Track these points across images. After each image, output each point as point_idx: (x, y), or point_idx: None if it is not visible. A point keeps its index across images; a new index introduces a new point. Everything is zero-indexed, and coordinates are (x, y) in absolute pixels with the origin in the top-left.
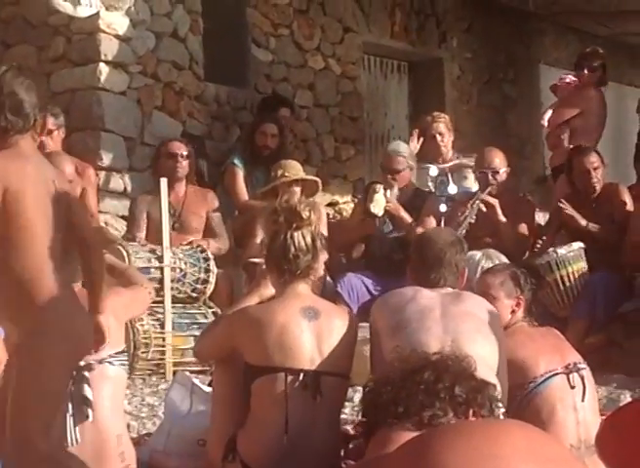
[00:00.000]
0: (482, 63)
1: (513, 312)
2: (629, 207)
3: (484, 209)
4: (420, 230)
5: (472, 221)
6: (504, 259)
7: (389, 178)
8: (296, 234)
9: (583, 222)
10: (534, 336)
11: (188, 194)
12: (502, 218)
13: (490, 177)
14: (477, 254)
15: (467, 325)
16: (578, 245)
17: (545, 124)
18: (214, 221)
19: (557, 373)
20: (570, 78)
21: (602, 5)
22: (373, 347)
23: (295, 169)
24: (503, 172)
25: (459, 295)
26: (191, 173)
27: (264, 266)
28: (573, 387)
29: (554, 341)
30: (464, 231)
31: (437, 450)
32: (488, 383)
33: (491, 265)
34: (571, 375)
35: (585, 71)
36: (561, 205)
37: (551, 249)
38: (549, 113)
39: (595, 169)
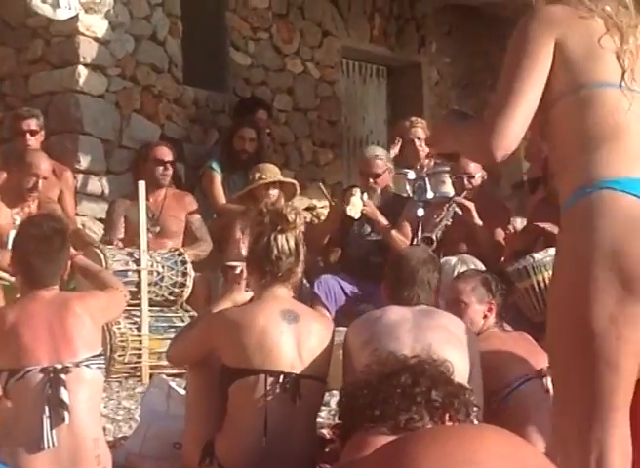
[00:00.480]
0: (461, 68)
1: (485, 317)
2: None
3: (460, 212)
4: (395, 233)
5: (448, 224)
6: (480, 265)
7: (371, 183)
8: (280, 237)
9: (556, 230)
10: (507, 342)
11: (167, 198)
12: (478, 221)
13: (466, 182)
14: (452, 260)
15: (437, 336)
16: (554, 250)
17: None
18: (194, 225)
19: (531, 379)
20: None
21: None
22: (345, 366)
23: (272, 172)
24: (479, 176)
25: (430, 311)
26: (172, 177)
27: (241, 269)
28: (547, 391)
29: (527, 347)
30: (440, 233)
31: (412, 456)
32: (464, 388)
33: (465, 270)
34: (545, 380)
35: None
36: (537, 225)
37: (528, 254)
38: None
39: None
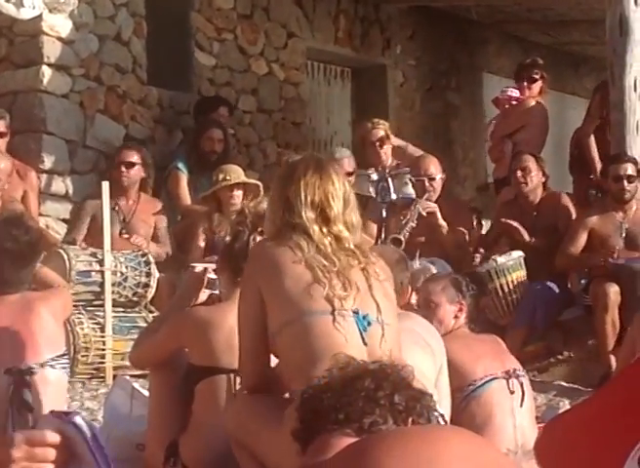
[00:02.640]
0: (425, 71)
1: (456, 317)
2: (571, 214)
3: (424, 213)
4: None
5: (414, 225)
6: (448, 268)
7: None
8: (259, 238)
9: (527, 237)
10: (475, 342)
11: (140, 202)
12: (442, 223)
13: (427, 184)
14: (431, 267)
15: (404, 337)
16: (517, 253)
17: (489, 139)
18: (160, 231)
19: (496, 378)
20: (511, 91)
21: (543, 14)
22: None
23: (236, 173)
24: (440, 178)
25: (407, 315)
26: (145, 180)
27: (203, 269)
28: (512, 392)
29: (495, 348)
30: (407, 233)
31: (375, 456)
32: (425, 393)
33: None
34: (510, 381)
35: (525, 83)
36: (504, 221)
37: (491, 257)
38: (491, 129)
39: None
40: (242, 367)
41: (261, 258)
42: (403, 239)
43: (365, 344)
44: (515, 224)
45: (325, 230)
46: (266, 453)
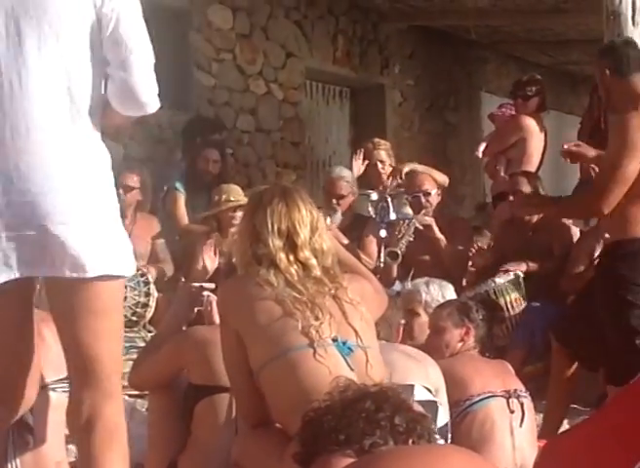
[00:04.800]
0: (424, 90)
1: (463, 341)
2: (570, 236)
3: (421, 227)
4: (360, 254)
5: (411, 239)
6: (446, 285)
7: (334, 203)
8: None
9: (523, 268)
10: (479, 361)
11: (137, 220)
12: (440, 236)
13: (423, 200)
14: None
15: (397, 355)
16: (515, 274)
17: (480, 155)
18: (158, 247)
19: (495, 396)
20: (506, 107)
21: (542, 34)
22: None
23: (238, 194)
24: (435, 193)
25: (389, 344)
26: (143, 201)
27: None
28: (512, 412)
29: (500, 368)
30: (404, 247)
31: None
32: (425, 416)
33: (434, 292)
34: (510, 400)
35: (520, 100)
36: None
37: (489, 279)
38: (484, 145)
39: None
40: (239, 407)
41: (232, 299)
42: (400, 252)
43: (352, 370)
44: (512, 269)
45: (292, 258)
46: None
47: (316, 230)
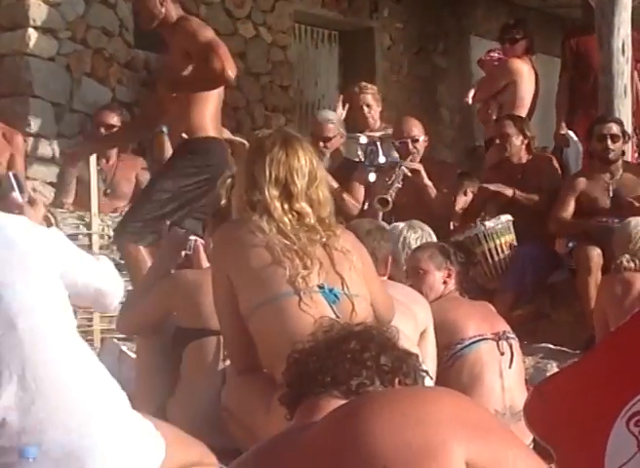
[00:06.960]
0: (413, 34)
1: (445, 283)
2: (559, 176)
3: (409, 174)
4: (346, 197)
5: (399, 186)
6: (428, 229)
7: (321, 146)
8: None
9: (509, 192)
10: (465, 304)
11: (120, 160)
12: (428, 182)
13: (410, 146)
14: (400, 225)
15: None
16: (506, 217)
17: (470, 101)
18: (142, 185)
19: (485, 338)
20: (495, 52)
21: None
22: None
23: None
24: (423, 140)
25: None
26: None
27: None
28: (502, 353)
29: (485, 310)
30: (394, 194)
31: (365, 417)
32: (411, 353)
33: (413, 235)
34: (500, 342)
35: (507, 44)
36: (485, 186)
37: (479, 221)
38: (473, 91)
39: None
40: (228, 350)
41: (225, 244)
42: (390, 199)
43: (337, 317)
44: (493, 187)
45: (287, 207)
46: (259, 426)
47: (315, 180)
